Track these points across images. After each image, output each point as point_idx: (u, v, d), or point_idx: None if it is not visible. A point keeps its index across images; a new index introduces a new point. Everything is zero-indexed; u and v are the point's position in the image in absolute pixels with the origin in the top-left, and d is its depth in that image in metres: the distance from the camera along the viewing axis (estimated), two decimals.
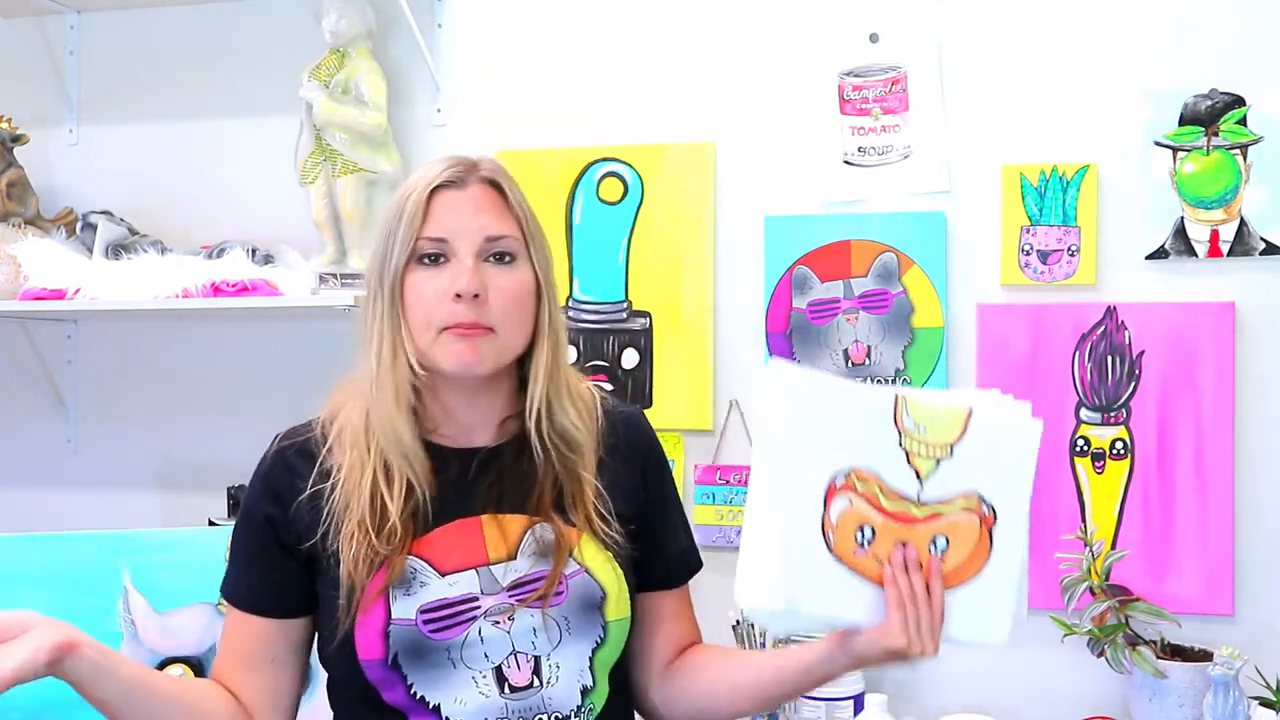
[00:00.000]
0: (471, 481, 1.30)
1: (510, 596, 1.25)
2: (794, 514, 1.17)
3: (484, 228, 1.27)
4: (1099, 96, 2.14)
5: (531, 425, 1.30)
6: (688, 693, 1.38)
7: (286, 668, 1.33)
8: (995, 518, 1.23)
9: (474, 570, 1.26)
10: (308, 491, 1.28)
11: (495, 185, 1.30)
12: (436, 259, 1.27)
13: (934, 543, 1.21)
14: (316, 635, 1.33)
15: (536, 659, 1.25)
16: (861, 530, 1.19)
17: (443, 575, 1.25)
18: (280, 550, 1.29)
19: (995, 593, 1.23)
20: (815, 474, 1.18)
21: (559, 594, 1.26)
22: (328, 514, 1.27)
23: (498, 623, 1.24)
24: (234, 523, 1.35)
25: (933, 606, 1.19)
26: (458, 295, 1.24)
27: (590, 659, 1.28)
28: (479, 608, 1.24)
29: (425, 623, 1.23)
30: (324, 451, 1.30)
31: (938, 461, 1.21)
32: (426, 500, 1.27)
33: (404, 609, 1.23)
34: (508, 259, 1.28)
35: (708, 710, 1.38)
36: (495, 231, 1.28)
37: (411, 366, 1.27)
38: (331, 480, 1.28)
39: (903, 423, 1.21)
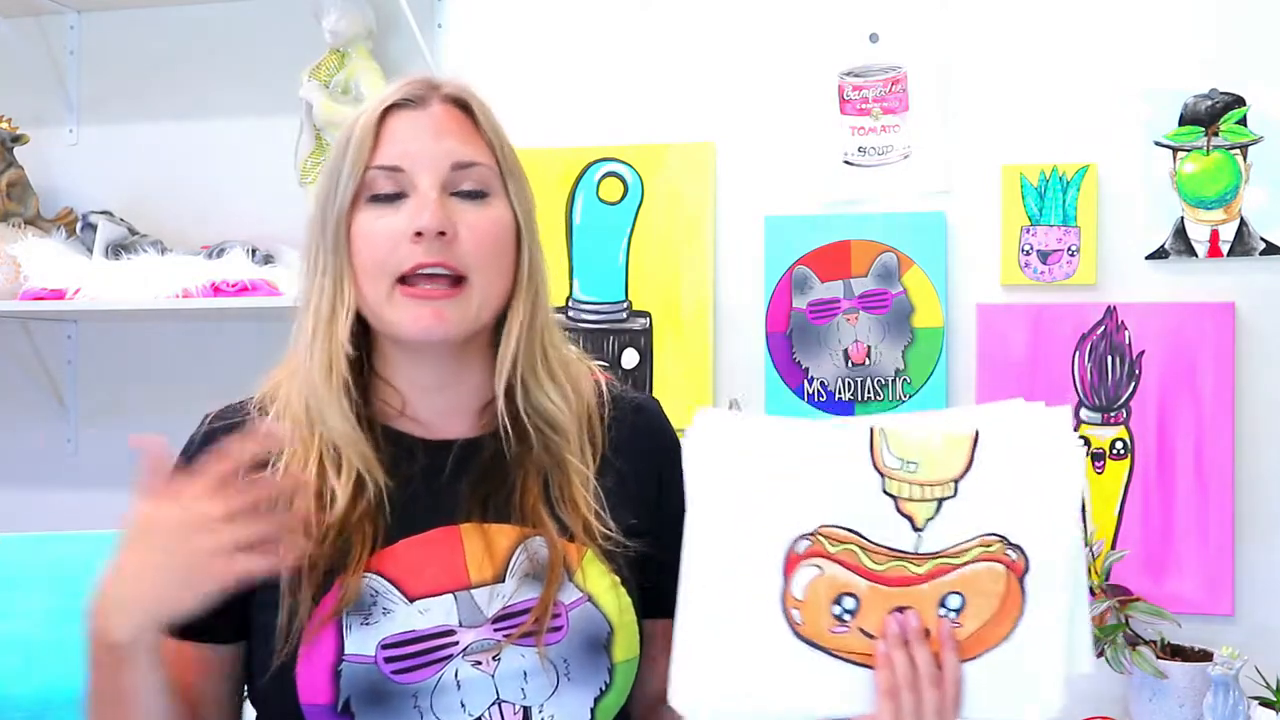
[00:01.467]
0: (448, 482, 1.06)
1: (496, 630, 1.01)
2: (743, 596, 0.97)
3: (450, 152, 1.03)
4: (1099, 96, 2.14)
5: (500, 392, 1.06)
6: None
7: (224, 710, 1.09)
8: (1027, 563, 0.97)
9: (452, 595, 1.01)
10: None
11: (462, 105, 1.06)
12: (392, 198, 1.03)
13: (944, 603, 0.97)
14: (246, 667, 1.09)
15: (525, 709, 1.00)
16: (839, 602, 0.97)
17: (411, 600, 1.00)
18: None
19: (1035, 656, 0.97)
20: (767, 543, 0.97)
21: (557, 629, 1.02)
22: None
23: (479, 663, 1.00)
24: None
25: (944, 684, 0.95)
26: (418, 234, 1.00)
27: (592, 710, 1.04)
28: (456, 644, 1.00)
29: (387, 660, 0.98)
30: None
31: (939, 503, 0.97)
32: (384, 498, 1.03)
33: (360, 642, 0.98)
34: (479, 195, 1.04)
35: None
36: (463, 157, 1.04)
37: (353, 331, 1.04)
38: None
39: (883, 462, 0.98)
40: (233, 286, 2.23)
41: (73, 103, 2.63)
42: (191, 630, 1.01)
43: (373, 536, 1.02)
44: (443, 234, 1.01)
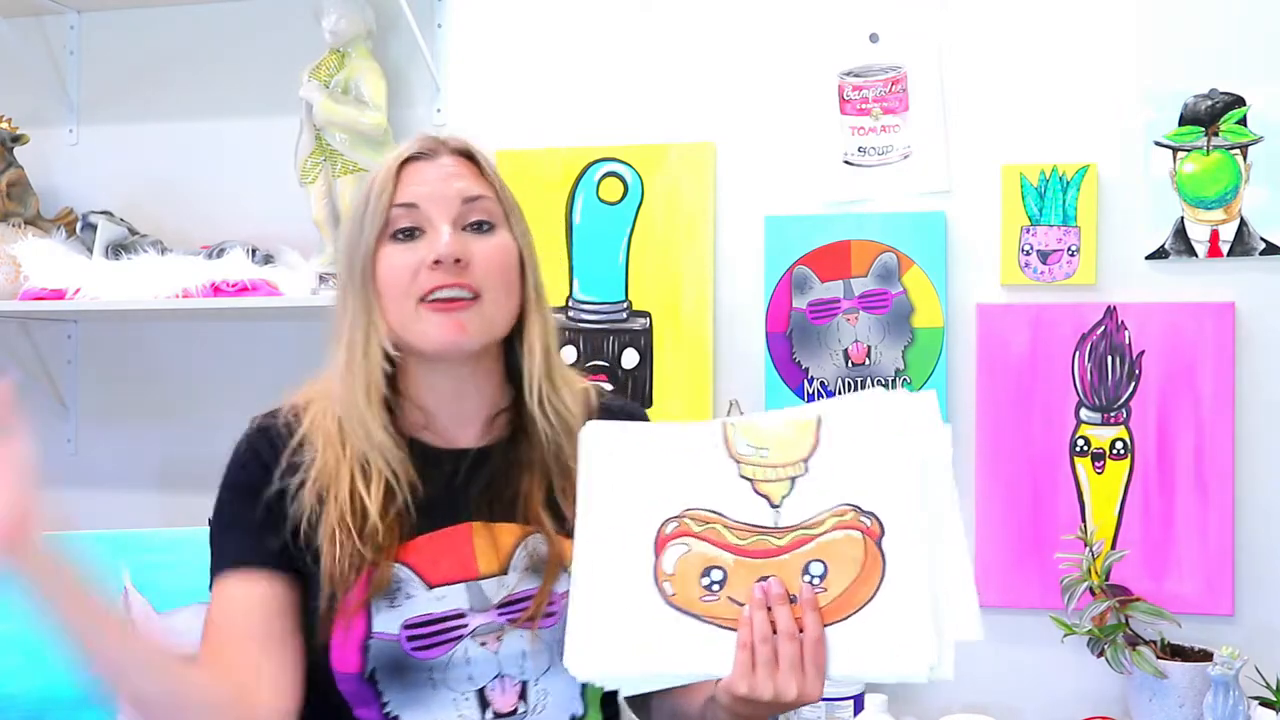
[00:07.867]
0: (461, 486, 1.22)
1: (500, 615, 1.17)
2: (619, 571, 1.08)
3: (460, 191, 1.20)
4: (1099, 96, 2.14)
5: (534, 403, 1.22)
6: (678, 715, 1.26)
7: (296, 645, 1.19)
8: (882, 528, 1.05)
9: (463, 584, 1.17)
10: (274, 487, 1.19)
11: (467, 155, 1.25)
12: (411, 233, 1.19)
13: (807, 570, 1.05)
14: None
15: (524, 683, 1.17)
16: (708, 574, 1.07)
17: (430, 588, 1.16)
18: (273, 516, 1.19)
19: (903, 615, 1.03)
20: (638, 526, 1.09)
21: (551, 615, 1.17)
22: (295, 511, 1.17)
23: (484, 643, 1.16)
24: (217, 500, 1.24)
25: (804, 641, 1.03)
26: (436, 262, 1.16)
27: (582, 686, 1.18)
28: (466, 626, 1.16)
29: (409, 639, 1.14)
30: (293, 443, 1.20)
31: (792, 481, 1.08)
32: (410, 502, 1.18)
33: (387, 622, 1.14)
34: (487, 227, 1.21)
35: None
36: (472, 192, 1.20)
37: (386, 353, 1.19)
38: (300, 477, 1.18)
39: (737, 451, 1.10)
40: (233, 286, 2.23)
41: (73, 103, 2.63)
42: (277, 562, 1.17)
43: (399, 533, 1.17)
44: (458, 261, 1.16)
